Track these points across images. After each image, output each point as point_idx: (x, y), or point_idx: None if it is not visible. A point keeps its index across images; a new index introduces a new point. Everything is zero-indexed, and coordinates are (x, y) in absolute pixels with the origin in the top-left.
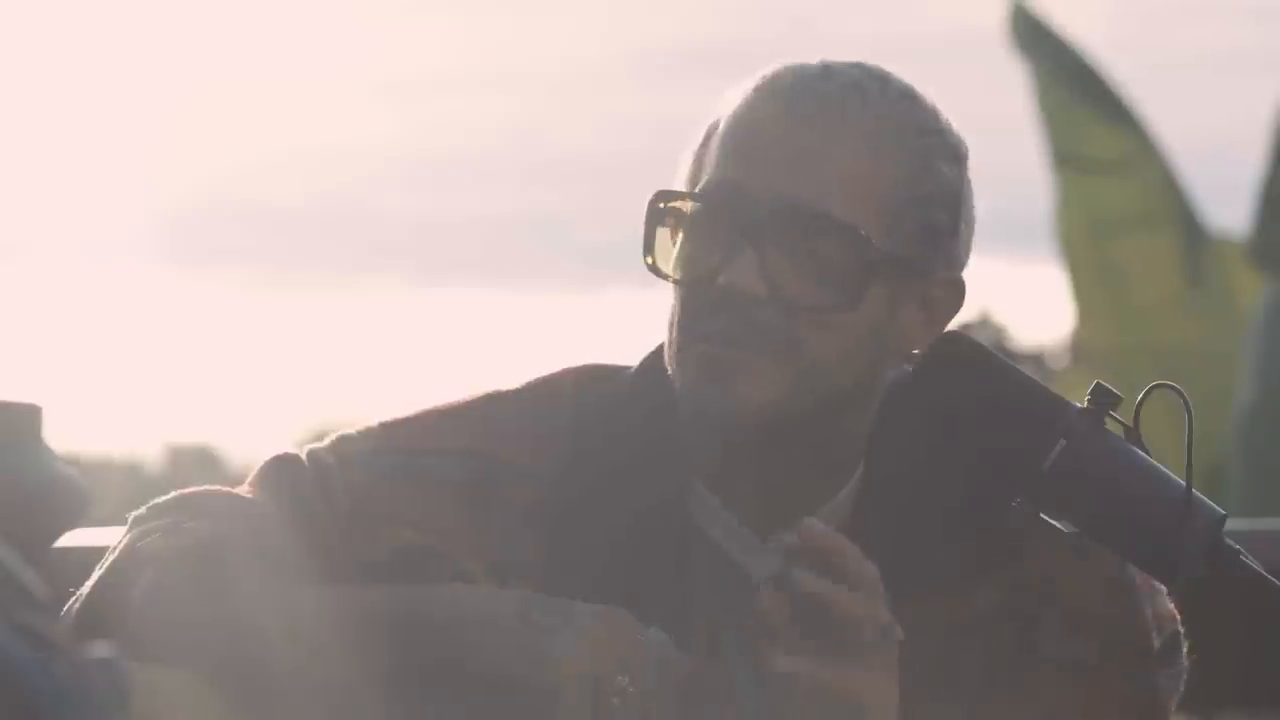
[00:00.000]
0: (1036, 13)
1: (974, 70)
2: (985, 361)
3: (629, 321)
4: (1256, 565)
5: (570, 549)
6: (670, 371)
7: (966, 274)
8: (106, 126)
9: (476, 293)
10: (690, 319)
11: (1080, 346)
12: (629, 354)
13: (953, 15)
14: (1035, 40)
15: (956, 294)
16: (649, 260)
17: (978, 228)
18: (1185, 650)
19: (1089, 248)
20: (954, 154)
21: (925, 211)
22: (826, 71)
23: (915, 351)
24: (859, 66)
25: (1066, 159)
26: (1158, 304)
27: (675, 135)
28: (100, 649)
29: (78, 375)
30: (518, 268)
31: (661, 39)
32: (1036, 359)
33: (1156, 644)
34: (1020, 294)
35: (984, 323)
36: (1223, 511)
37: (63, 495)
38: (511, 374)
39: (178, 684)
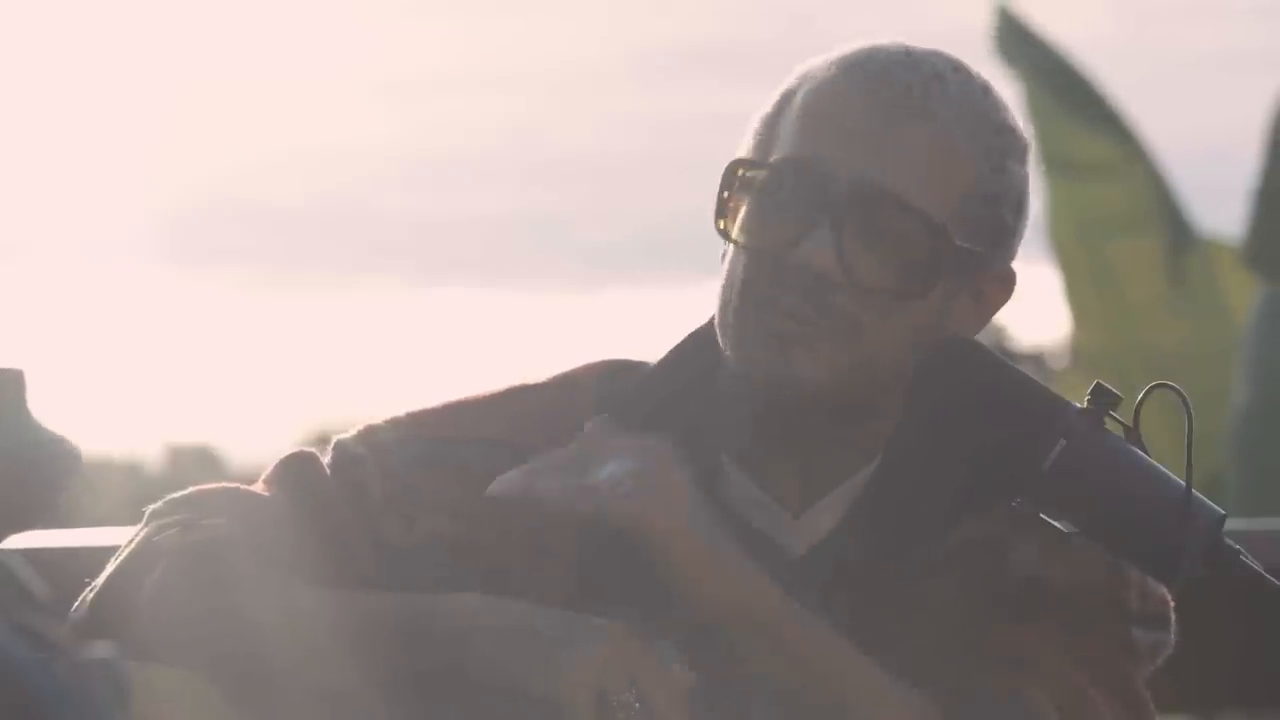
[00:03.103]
0: (1021, 17)
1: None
2: (985, 361)
3: (628, 321)
4: (1256, 565)
5: (599, 536)
6: (723, 336)
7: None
8: (105, 127)
9: (476, 293)
10: (757, 287)
11: (1076, 347)
12: (628, 353)
13: (954, 14)
14: (1019, 45)
15: (1007, 287)
16: (720, 224)
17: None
18: (1172, 634)
19: (1080, 249)
20: (1022, 151)
21: (995, 209)
22: (910, 58)
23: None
24: (940, 56)
25: (1055, 161)
26: (1148, 305)
27: (675, 135)
28: (100, 649)
29: (78, 375)
30: (518, 268)
31: (661, 39)
32: (1036, 359)
33: (1134, 604)
34: (1020, 295)
35: None
36: (1222, 511)
37: (52, 455)
38: (511, 373)
39: (178, 683)
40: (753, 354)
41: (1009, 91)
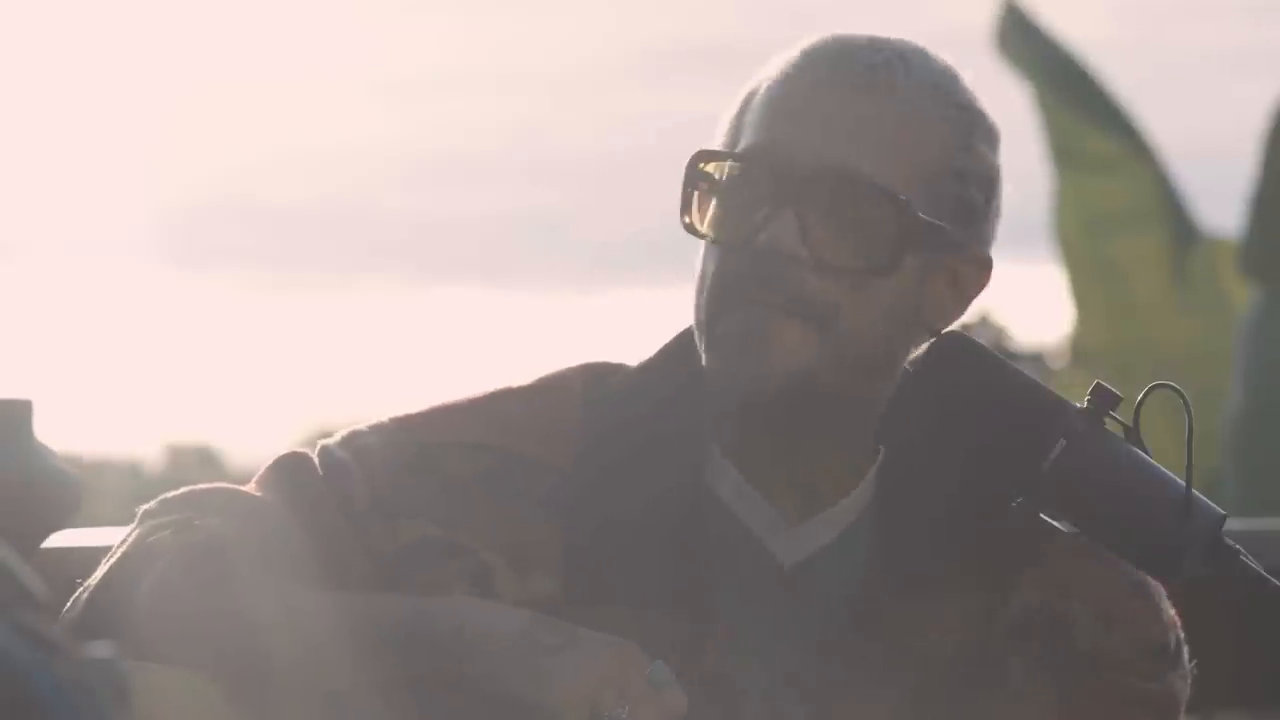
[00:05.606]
0: (1026, 13)
1: (976, 69)
2: (985, 361)
3: (629, 321)
4: (1256, 565)
5: (588, 538)
6: (699, 336)
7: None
8: (106, 126)
9: (476, 293)
10: (726, 278)
11: (1078, 344)
12: (629, 354)
13: (956, 14)
14: (1024, 41)
15: (984, 272)
16: (686, 220)
17: None
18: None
19: (1084, 246)
20: (990, 135)
21: (962, 186)
22: (872, 42)
23: (939, 328)
24: (904, 41)
25: (1060, 157)
26: (1152, 303)
27: (675, 135)
28: (100, 649)
29: (77, 375)
30: (518, 268)
31: (661, 39)
32: (1036, 359)
33: (1174, 644)
34: (1020, 294)
35: (984, 323)
36: (1222, 511)
37: (55, 488)
38: (511, 373)
39: (178, 683)
40: (729, 359)
41: (1014, 88)
